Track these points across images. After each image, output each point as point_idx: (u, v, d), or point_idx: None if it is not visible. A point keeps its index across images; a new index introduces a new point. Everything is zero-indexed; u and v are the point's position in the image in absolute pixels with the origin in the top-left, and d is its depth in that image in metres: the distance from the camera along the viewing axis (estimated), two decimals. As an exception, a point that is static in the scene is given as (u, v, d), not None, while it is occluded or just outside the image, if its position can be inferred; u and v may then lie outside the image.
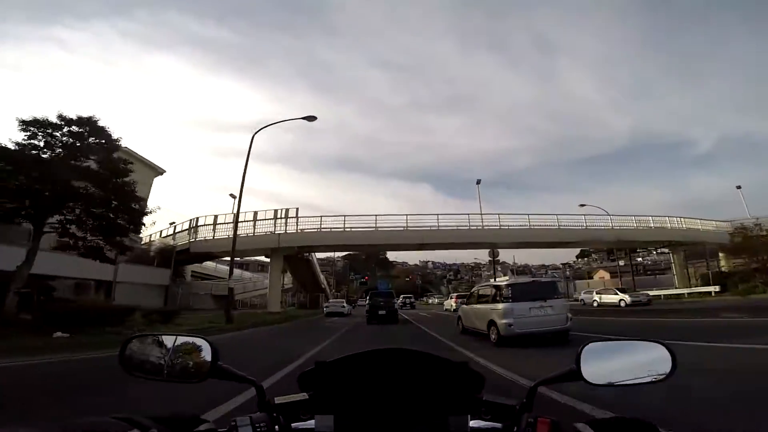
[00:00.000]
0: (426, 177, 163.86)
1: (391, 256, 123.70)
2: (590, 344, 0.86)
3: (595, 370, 0.82)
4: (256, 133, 17.71)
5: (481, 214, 26.59)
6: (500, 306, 7.99)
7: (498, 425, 0.81)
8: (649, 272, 47.70)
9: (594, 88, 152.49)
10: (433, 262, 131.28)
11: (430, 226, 25.59)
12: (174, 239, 27.69)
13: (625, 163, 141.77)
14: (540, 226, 25.97)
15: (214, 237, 25.57)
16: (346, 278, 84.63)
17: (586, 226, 26.82)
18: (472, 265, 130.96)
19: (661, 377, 0.82)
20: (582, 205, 29.22)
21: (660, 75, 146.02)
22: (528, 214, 26.16)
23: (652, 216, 29.10)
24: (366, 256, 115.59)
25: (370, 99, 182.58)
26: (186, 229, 27.23)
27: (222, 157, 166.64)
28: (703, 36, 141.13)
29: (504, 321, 7.65)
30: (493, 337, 8.03)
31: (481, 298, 9.44)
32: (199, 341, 0.85)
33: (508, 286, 8.50)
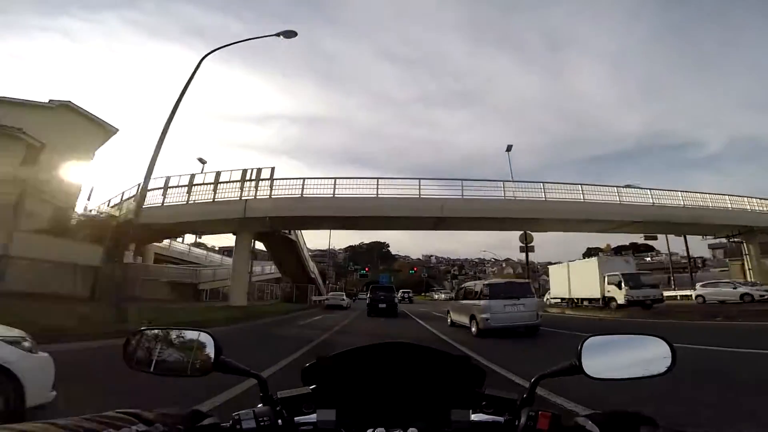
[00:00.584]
0: (430, 172, 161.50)
1: (394, 249, 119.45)
2: (591, 339, 0.86)
3: (595, 364, 0.83)
4: (207, 54, 12.59)
5: (514, 180, 19.86)
6: (480, 303, 9.22)
7: (499, 419, 0.80)
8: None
9: (604, 87, 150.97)
10: (436, 257, 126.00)
11: (453, 194, 18.67)
12: (120, 209, 21.45)
13: (633, 164, 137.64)
14: (596, 200, 19.38)
15: (163, 203, 19.32)
16: (347, 270, 79.40)
17: (653, 202, 20.30)
18: (476, 261, 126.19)
19: (661, 372, 0.83)
20: (627, 186, 22.76)
21: (671, 74, 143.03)
22: (581, 184, 19.54)
23: (728, 195, 22.58)
24: (368, 248, 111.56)
25: (375, 92, 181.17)
26: (134, 196, 20.94)
27: (227, 147, 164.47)
28: (717, 35, 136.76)
29: (482, 316, 8.82)
30: (474, 329, 9.20)
31: (466, 295, 10.70)
32: (202, 335, 0.86)
33: (486, 285, 9.79)
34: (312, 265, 34.35)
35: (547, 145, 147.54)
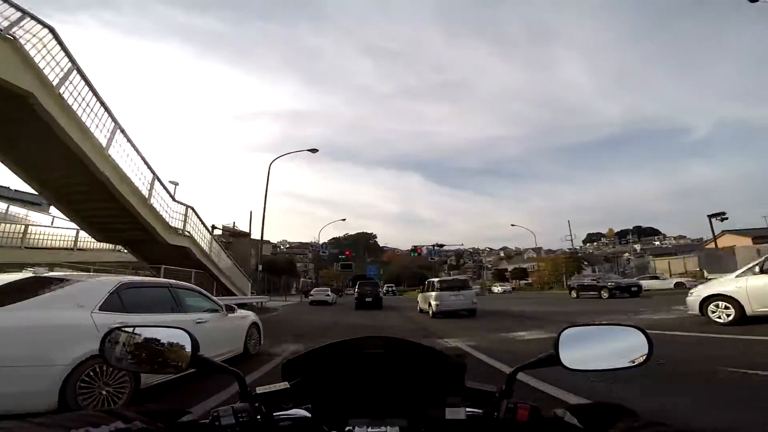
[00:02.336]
0: (415, 166, 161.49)
1: (382, 241, 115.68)
2: (568, 329, 0.89)
3: (573, 355, 0.85)
4: None
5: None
6: (433, 294, 13.52)
7: (479, 412, 0.83)
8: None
9: (586, 75, 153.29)
10: (427, 247, 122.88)
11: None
12: None
13: (619, 151, 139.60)
14: None
15: None
16: (320, 257, 74.01)
17: None
18: (470, 250, 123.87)
19: (638, 363, 0.86)
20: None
21: (654, 61, 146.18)
22: None
23: None
24: (353, 239, 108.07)
25: (358, 86, 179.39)
26: None
27: (209, 144, 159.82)
28: (699, 22, 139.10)
29: (435, 302, 13.11)
30: (430, 313, 13.42)
31: (428, 288, 14.96)
32: (179, 333, 0.88)
33: (438, 281, 14.37)
34: (180, 212, 14.12)
35: (531, 133, 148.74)
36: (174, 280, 4.93)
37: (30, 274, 3.32)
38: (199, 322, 4.35)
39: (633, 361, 0.86)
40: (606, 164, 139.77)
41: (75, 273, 3.84)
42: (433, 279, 15.51)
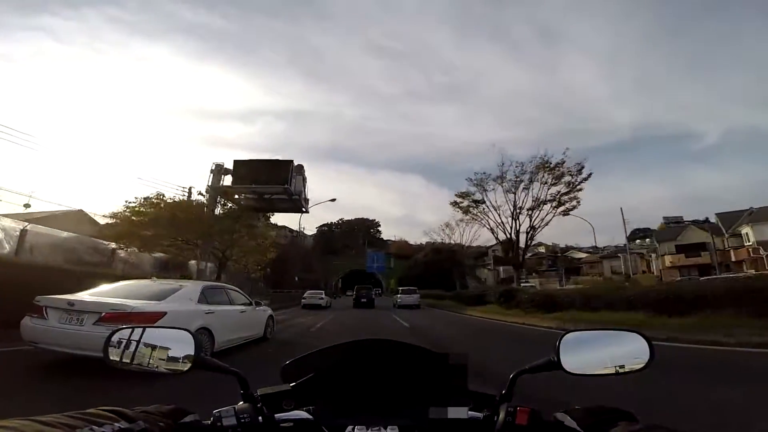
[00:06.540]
0: (418, 168, 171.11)
1: (385, 233, 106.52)
2: (569, 334, 1.02)
3: (574, 360, 0.98)
4: None
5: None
6: (397, 295, 33.91)
7: (479, 415, 0.95)
8: None
9: (596, 80, 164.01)
10: (442, 241, 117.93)
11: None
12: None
13: (626, 157, 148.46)
14: None
15: None
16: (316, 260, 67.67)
17: None
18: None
19: (640, 367, 0.99)
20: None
21: (666, 67, 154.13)
22: None
23: None
24: (349, 227, 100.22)
25: (363, 87, 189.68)
26: None
27: (211, 146, 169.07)
28: (714, 28, 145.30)
29: (398, 300, 32.70)
30: (396, 306, 32.37)
31: (396, 292, 37.29)
32: (182, 333, 1.04)
33: (402, 288, 35.00)
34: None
35: (538, 137, 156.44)
36: (226, 284, 8.54)
37: (150, 281, 6.86)
38: (242, 312, 7.94)
39: (634, 366, 0.99)
40: (610, 170, 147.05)
41: (181, 280, 7.26)
42: (399, 287, 35.68)
